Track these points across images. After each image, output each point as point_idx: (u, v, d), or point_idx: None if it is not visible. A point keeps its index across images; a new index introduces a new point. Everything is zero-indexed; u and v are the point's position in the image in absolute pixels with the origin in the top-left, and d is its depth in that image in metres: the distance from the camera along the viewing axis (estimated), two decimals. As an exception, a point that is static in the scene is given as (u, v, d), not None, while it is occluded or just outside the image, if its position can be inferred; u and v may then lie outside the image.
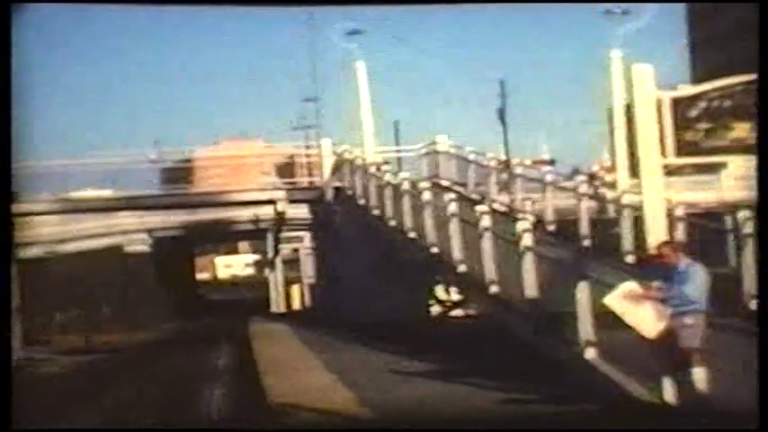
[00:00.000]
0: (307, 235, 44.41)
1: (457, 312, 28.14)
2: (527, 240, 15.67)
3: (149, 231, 45.99)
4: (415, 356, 18.15)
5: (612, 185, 23.53)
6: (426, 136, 32.29)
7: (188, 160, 48.76)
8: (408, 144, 36.42)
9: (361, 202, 29.48)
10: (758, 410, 8.56)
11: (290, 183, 38.64)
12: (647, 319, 10.80)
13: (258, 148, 43.41)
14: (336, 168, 32.94)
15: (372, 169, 28.66)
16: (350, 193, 31.01)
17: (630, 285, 11.04)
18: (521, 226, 15.81)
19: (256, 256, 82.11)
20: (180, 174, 43.19)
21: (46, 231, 41.76)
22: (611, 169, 30.94)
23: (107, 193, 33.54)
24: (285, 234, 43.67)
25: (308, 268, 45.99)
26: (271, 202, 34.44)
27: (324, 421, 12.86)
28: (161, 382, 23.13)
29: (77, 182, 33.83)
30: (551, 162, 46.77)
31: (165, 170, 46.28)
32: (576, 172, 32.64)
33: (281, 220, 36.93)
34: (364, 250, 29.44)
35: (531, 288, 15.61)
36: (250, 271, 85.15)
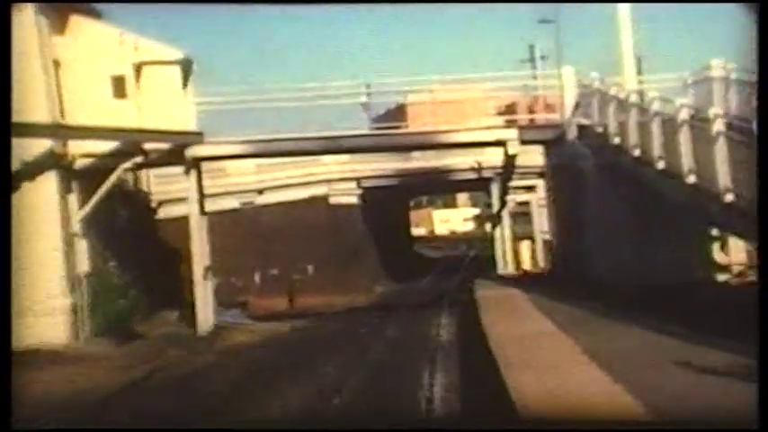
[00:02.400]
0: (540, 183, 41.40)
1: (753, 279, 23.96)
2: None
3: (358, 180, 45.19)
4: (704, 342, 13.99)
5: None
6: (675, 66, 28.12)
7: (400, 106, 48.21)
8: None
9: (616, 140, 25.74)
10: (758, 411, 8.36)
11: (512, 121, 36.39)
12: None
13: (478, 90, 40.38)
14: (580, 102, 29.37)
15: (633, 98, 24.60)
16: (599, 130, 27.33)
17: None
18: None
19: (476, 210, 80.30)
20: (391, 121, 41.86)
21: (241, 180, 42.25)
22: None
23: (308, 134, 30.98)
24: (514, 183, 40.78)
25: (542, 222, 43.70)
26: (498, 144, 31.19)
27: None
28: (371, 358, 21.31)
29: (272, 122, 32.71)
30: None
31: (374, 119, 45.54)
32: None
33: (510, 166, 33.98)
34: (618, 199, 26.14)
35: None
36: (470, 226, 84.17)
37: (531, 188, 45.67)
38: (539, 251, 45.92)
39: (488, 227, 61.59)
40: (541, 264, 44.78)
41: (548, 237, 40.32)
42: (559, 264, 33.81)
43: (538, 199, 44.97)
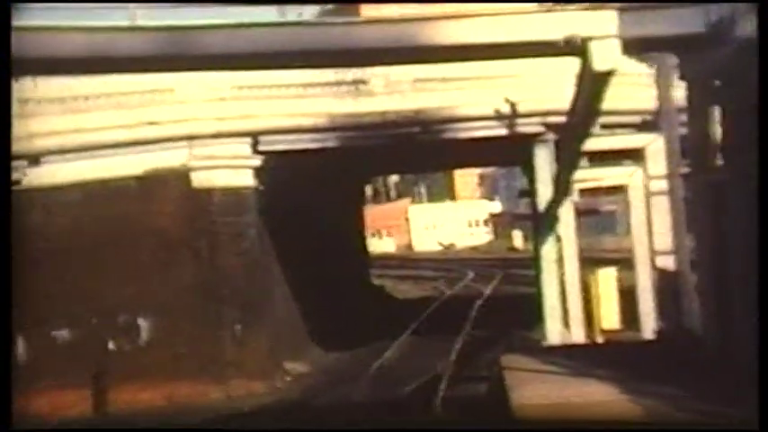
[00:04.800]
0: (654, 145, 39.29)
1: None
2: None
3: (254, 138, 44.79)
4: None
5: None
6: None
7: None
8: None
9: None
10: (758, 411, 15.24)
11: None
12: None
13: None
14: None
15: None
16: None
17: None
18: None
19: (496, 205, 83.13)
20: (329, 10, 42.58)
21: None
22: None
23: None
24: (594, 142, 37.97)
25: (654, 230, 41.81)
26: (567, 50, 26.38)
27: None
28: None
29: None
30: None
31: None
32: None
33: (592, 105, 31.16)
34: None
35: None
36: (483, 237, 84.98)
37: (627, 155, 43.81)
38: (642, 292, 43.43)
39: (518, 239, 66.05)
40: (647, 319, 42.40)
41: (668, 262, 38.37)
42: (700, 321, 31.20)
43: (645, 181, 42.97)
